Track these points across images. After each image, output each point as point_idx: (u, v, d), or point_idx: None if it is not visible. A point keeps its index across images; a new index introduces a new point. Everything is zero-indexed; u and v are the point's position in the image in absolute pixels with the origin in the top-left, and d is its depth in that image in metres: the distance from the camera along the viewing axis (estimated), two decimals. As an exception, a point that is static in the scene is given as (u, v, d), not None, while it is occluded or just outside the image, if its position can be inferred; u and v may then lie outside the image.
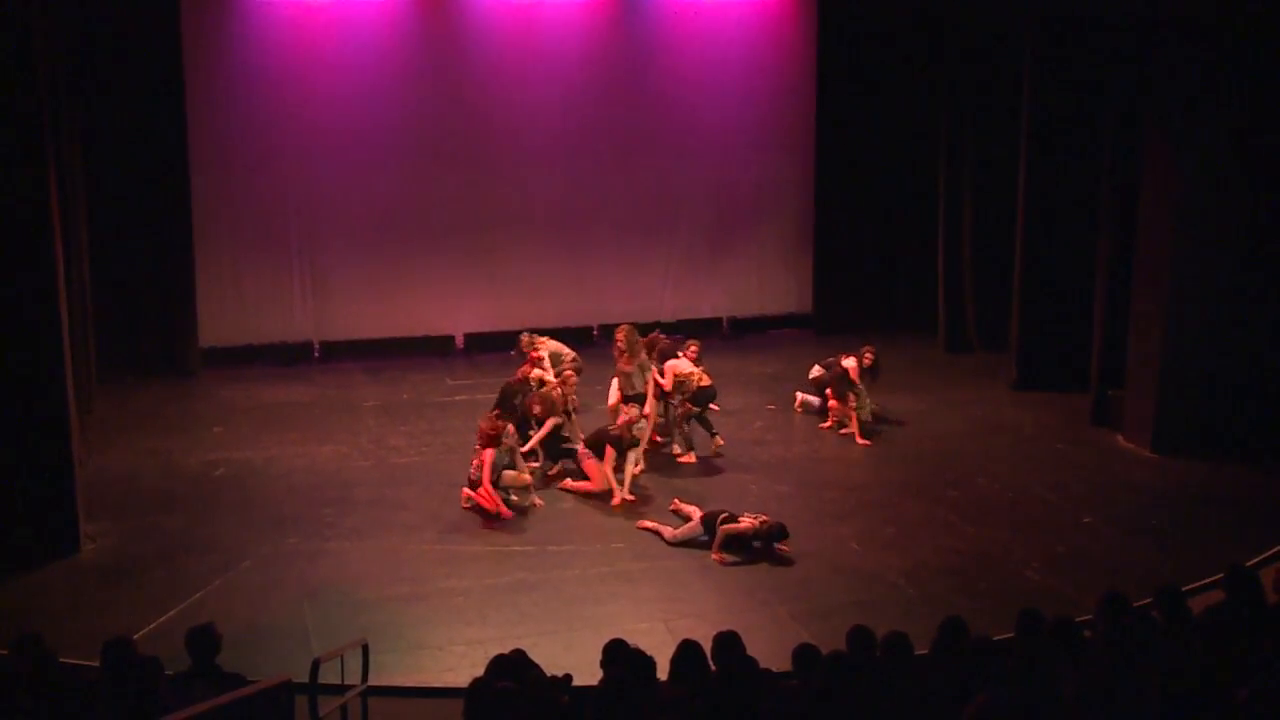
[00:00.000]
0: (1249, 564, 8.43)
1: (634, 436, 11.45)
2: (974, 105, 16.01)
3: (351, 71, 15.77)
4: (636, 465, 11.50)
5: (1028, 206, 14.64)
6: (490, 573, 9.80)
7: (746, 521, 10.05)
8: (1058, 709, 5.42)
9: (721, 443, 12.53)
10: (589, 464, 11.43)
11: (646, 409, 11.93)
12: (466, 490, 11.05)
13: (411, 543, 10.39)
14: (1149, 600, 6.93)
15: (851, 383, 13.11)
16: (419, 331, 16.41)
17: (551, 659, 7.01)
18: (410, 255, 16.35)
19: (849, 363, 13.20)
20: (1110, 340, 13.28)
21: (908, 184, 17.39)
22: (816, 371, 13.72)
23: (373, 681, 7.55)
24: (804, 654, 6.19)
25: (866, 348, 13.45)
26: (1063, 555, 10.16)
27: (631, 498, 11.30)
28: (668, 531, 10.44)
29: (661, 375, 12.36)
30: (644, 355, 12.29)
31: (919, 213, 17.18)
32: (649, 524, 10.63)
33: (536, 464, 11.74)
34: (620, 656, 6.13)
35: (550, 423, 11.83)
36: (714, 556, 10.01)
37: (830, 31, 17.21)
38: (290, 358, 16.03)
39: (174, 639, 6.93)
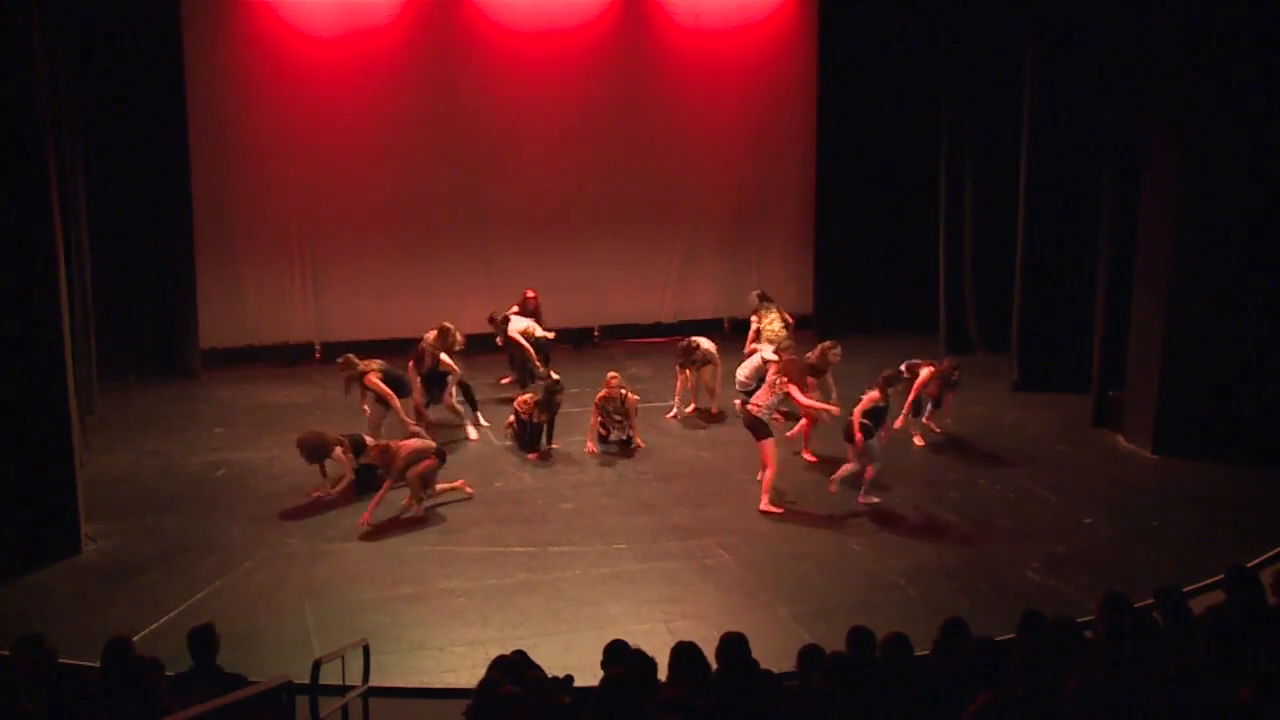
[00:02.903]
0: (1249, 564, 8.42)
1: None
2: (974, 105, 15.99)
3: (353, 71, 15.75)
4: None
5: (1028, 206, 14.64)
6: (491, 574, 9.80)
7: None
8: (1058, 709, 5.42)
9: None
10: (798, 396, 11.32)
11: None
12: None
13: (412, 543, 10.40)
14: (1149, 601, 6.93)
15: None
16: (420, 332, 16.33)
17: (552, 660, 7.03)
18: (410, 255, 16.33)
19: (925, 371, 12.79)
20: (1111, 340, 13.26)
21: (908, 184, 17.36)
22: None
23: (374, 682, 7.57)
24: (809, 654, 6.19)
25: (949, 359, 13.63)
26: (1064, 556, 10.17)
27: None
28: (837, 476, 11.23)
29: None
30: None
31: (919, 212, 17.15)
32: (770, 508, 10.93)
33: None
34: (621, 657, 6.13)
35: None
36: (918, 442, 11.86)
37: (831, 31, 17.16)
38: (291, 358, 16.02)
39: (174, 639, 6.94)
